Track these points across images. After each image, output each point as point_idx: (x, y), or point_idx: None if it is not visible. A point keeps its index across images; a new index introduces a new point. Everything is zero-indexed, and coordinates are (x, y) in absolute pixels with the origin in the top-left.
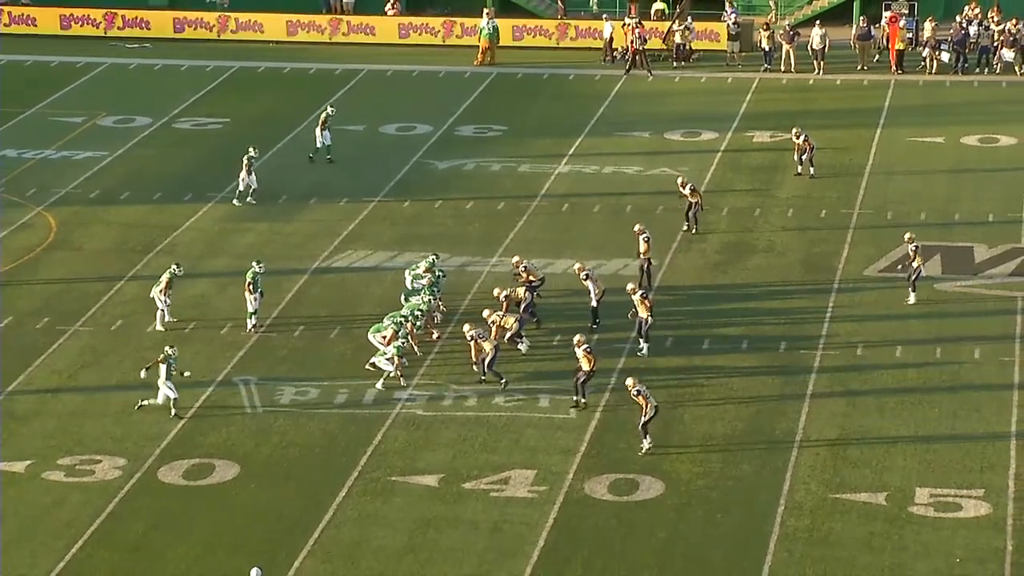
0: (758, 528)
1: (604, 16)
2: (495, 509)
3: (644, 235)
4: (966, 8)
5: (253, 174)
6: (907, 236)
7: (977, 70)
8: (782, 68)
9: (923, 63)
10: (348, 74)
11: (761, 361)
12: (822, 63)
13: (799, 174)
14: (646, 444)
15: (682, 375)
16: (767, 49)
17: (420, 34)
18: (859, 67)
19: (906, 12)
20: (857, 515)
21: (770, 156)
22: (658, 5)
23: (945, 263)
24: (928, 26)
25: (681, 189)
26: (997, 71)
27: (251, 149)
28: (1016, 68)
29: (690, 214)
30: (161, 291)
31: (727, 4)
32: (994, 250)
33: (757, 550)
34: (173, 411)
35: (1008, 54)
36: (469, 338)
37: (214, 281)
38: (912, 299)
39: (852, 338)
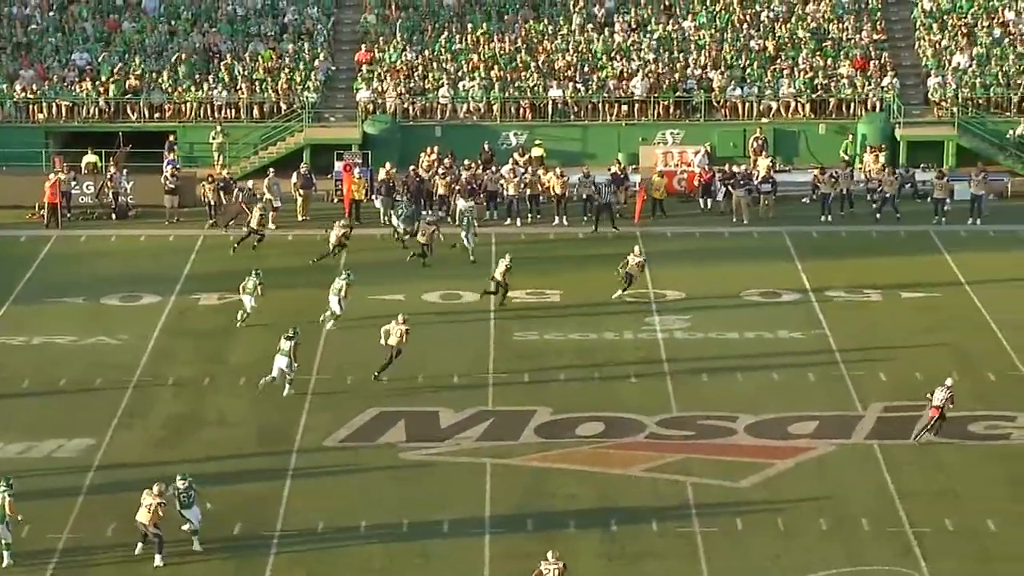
0: None
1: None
2: None
3: None
4: (422, 156)
5: None
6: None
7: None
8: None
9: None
10: None
11: (215, 544)
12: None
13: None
14: None
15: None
16: (212, 203)
17: None
18: (301, 217)
19: (360, 161)
20: None
21: (219, 320)
22: (90, 158)
23: (409, 430)
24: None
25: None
26: (450, 222)
27: None
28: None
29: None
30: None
31: (165, 154)
32: (461, 414)
33: None
34: None
35: (463, 202)
36: None
37: None
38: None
39: (312, 514)
